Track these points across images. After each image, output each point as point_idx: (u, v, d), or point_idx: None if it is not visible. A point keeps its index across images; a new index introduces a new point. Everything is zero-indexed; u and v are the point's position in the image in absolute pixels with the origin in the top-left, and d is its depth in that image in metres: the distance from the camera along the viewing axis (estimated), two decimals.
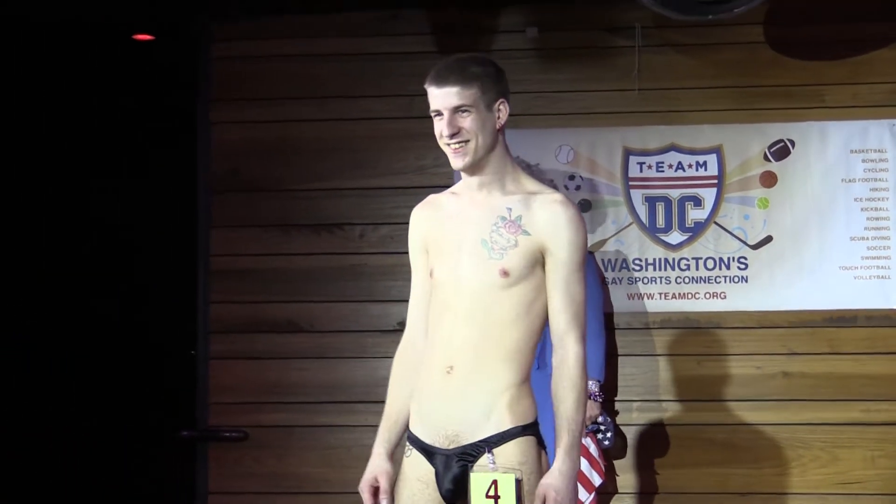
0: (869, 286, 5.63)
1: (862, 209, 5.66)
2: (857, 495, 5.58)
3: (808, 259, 5.68)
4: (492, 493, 3.38)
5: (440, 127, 3.44)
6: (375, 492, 3.50)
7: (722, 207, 5.72)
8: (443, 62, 3.52)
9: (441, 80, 3.44)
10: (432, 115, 3.48)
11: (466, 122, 3.42)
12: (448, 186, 5.51)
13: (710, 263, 5.71)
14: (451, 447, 3.40)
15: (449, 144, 3.43)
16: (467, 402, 3.39)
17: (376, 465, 3.52)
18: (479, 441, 3.37)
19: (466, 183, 3.56)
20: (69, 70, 6.48)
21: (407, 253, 5.16)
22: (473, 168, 3.44)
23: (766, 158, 5.72)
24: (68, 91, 6.57)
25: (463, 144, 3.41)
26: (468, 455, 3.38)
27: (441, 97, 3.43)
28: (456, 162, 3.44)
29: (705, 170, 5.74)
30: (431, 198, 3.67)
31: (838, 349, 5.65)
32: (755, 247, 5.67)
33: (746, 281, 5.68)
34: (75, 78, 6.54)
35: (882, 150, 5.66)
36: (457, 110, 3.42)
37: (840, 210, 5.67)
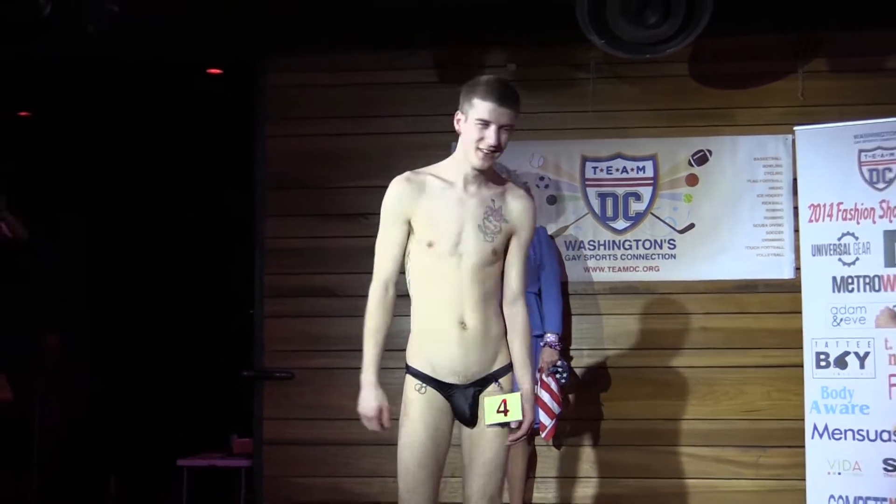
0: (767, 262, 6.09)
1: (763, 203, 6.10)
2: (756, 420, 5.98)
3: (721, 241, 6.10)
4: (502, 409, 3.76)
5: (484, 134, 3.60)
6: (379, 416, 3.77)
7: (656, 201, 6.15)
8: (495, 81, 3.69)
9: (503, 101, 3.63)
10: (477, 121, 3.61)
11: (504, 137, 3.67)
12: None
13: (647, 244, 6.13)
14: (466, 382, 3.77)
15: (484, 150, 3.64)
16: (480, 349, 3.77)
17: (380, 395, 3.80)
18: (488, 375, 3.78)
19: (464, 174, 3.75)
20: (160, 99, 6.94)
21: None
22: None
23: (690, 164, 6.15)
24: (159, 116, 7.04)
25: (495, 153, 3.68)
26: (479, 386, 3.78)
27: (497, 114, 3.61)
28: (482, 163, 3.67)
29: (644, 172, 6.17)
30: (411, 175, 3.77)
31: (744, 309, 6.06)
32: (682, 232, 6.13)
33: (675, 258, 6.12)
34: (165, 105, 7.02)
35: (778, 157, 6.10)
36: (503, 127, 3.65)
37: (746, 204, 6.10)
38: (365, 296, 5.99)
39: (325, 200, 6.26)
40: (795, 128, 5.90)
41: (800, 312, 5.80)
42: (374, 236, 6.01)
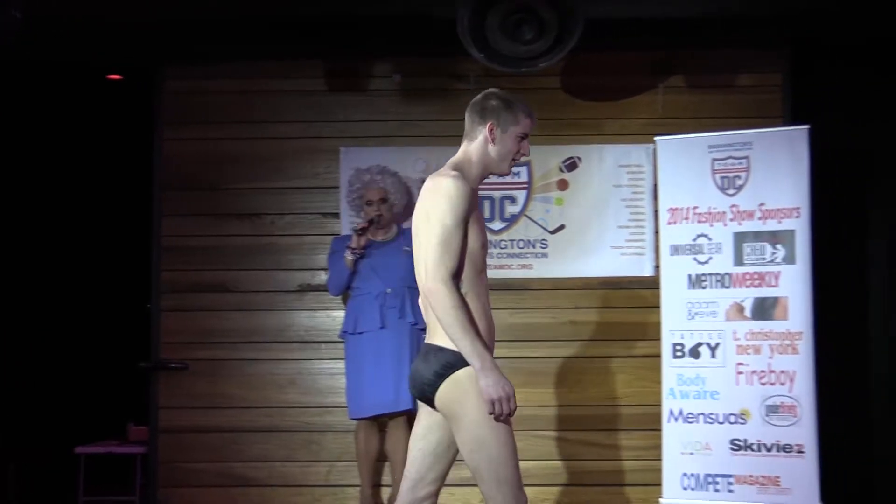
0: (630, 260, 6.36)
1: (626, 206, 6.37)
2: (619, 405, 6.28)
3: (589, 241, 6.35)
4: None
5: (521, 146, 3.63)
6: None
7: (530, 204, 6.37)
8: (521, 101, 3.67)
9: (533, 118, 3.68)
10: (518, 136, 3.61)
11: None
12: (333, 189, 6.30)
13: (521, 244, 6.36)
14: None
15: (518, 160, 3.70)
16: None
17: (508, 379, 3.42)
18: None
19: (479, 178, 3.68)
20: (61, 102, 6.97)
21: (305, 235, 6.05)
22: None
23: (561, 170, 6.38)
24: (58, 118, 7.05)
25: None
26: None
27: (530, 129, 3.67)
28: (510, 171, 3.71)
29: (519, 177, 6.39)
30: (463, 177, 3.57)
31: (609, 304, 6.33)
32: (553, 232, 6.36)
33: (547, 257, 6.35)
34: (66, 108, 7.05)
35: (641, 165, 6.37)
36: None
37: (611, 207, 6.36)
38: (257, 291, 6.32)
39: (219, 201, 6.37)
40: (656, 138, 6.11)
41: (658, 307, 6.03)
42: (264, 235, 6.28)
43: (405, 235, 6.09)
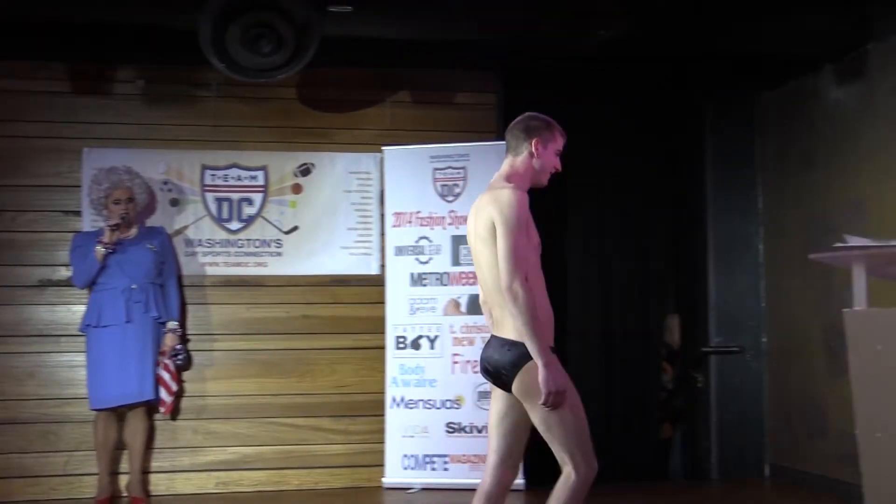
0: (358, 260, 6.62)
1: (356, 210, 6.64)
2: (346, 394, 6.54)
3: (320, 241, 6.57)
4: None
5: (556, 161, 3.87)
6: None
7: (266, 206, 6.55)
8: (556, 122, 3.88)
9: (565, 137, 3.92)
10: (557, 152, 3.86)
11: None
12: (75, 188, 6.27)
13: (257, 243, 6.52)
14: None
15: (554, 172, 3.90)
16: None
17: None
18: None
19: (527, 189, 3.87)
20: None
21: (46, 231, 6.01)
22: None
23: (295, 175, 6.59)
24: None
25: None
26: None
27: (563, 146, 3.92)
28: (546, 181, 3.90)
29: (256, 181, 6.56)
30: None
31: (338, 300, 6.58)
32: (287, 233, 6.55)
33: (281, 255, 6.53)
34: None
35: (369, 172, 6.65)
36: None
37: (342, 210, 6.61)
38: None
39: None
40: (384, 148, 6.51)
41: (383, 303, 6.44)
42: (7, 231, 6.27)
43: (149, 233, 6.26)
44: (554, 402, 3.58)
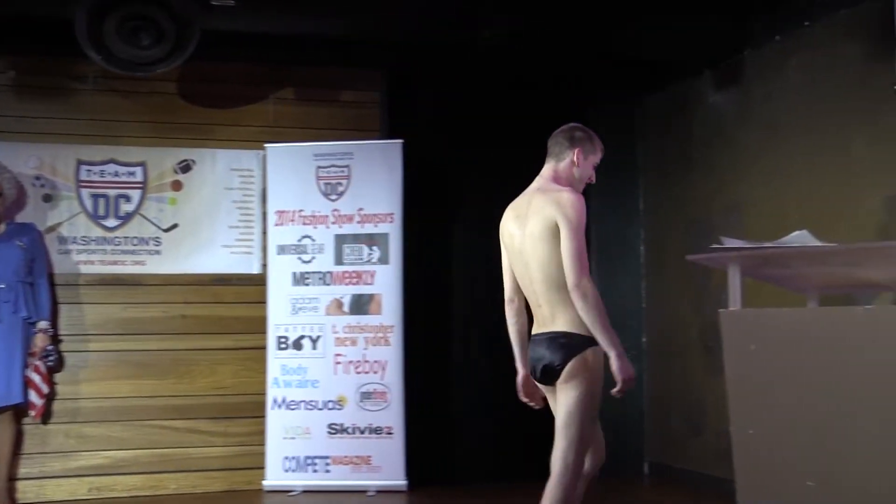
0: (240, 258, 6.55)
1: (237, 208, 6.57)
2: (226, 395, 6.46)
3: (201, 240, 6.50)
4: None
5: (592, 172, 4.04)
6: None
7: (145, 203, 6.44)
8: (597, 135, 4.05)
9: (603, 151, 4.08)
10: (595, 164, 4.04)
11: None
12: None
13: (135, 241, 6.41)
14: None
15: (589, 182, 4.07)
16: None
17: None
18: None
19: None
20: None
21: None
22: None
23: (175, 171, 6.49)
24: None
25: None
26: None
27: (600, 160, 4.10)
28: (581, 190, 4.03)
29: (134, 177, 6.44)
30: None
31: (220, 299, 6.51)
32: (166, 230, 6.46)
33: (160, 254, 6.44)
34: None
35: (251, 169, 6.59)
36: None
37: (223, 208, 6.54)
38: None
39: None
40: (266, 145, 6.46)
41: (265, 302, 6.37)
42: None
43: (19, 230, 6.05)
44: (627, 388, 3.72)
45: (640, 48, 6.35)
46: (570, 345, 3.79)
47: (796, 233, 3.37)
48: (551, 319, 3.85)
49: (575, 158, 4.00)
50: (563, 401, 3.81)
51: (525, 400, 4.04)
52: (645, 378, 7.15)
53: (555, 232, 3.83)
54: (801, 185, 5.66)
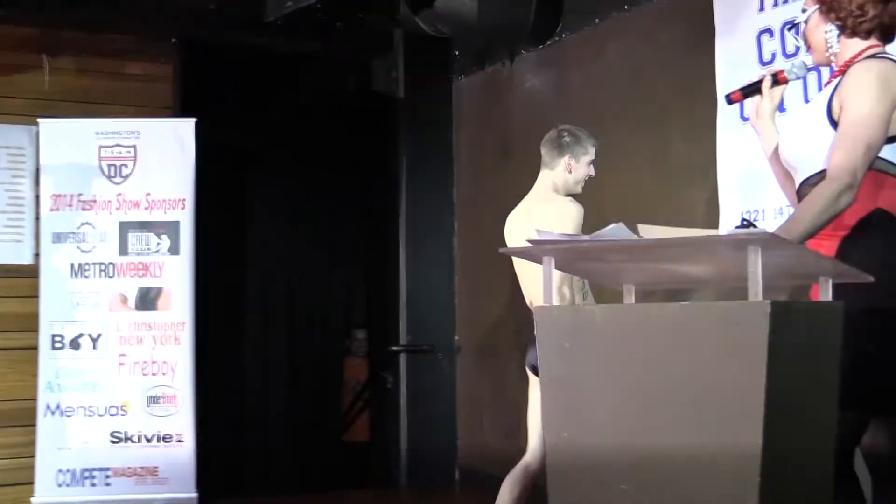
0: (8, 247, 6.17)
1: (6, 190, 6.16)
2: None
3: None
4: None
5: (590, 168, 4.32)
6: None
7: None
8: (586, 131, 4.35)
9: (596, 143, 4.36)
10: (589, 162, 4.31)
11: None
12: None
13: None
14: None
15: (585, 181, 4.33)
16: None
17: None
18: None
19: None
20: None
21: None
22: None
23: None
24: None
25: None
26: None
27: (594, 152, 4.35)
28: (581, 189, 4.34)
29: None
30: None
31: None
32: None
33: None
34: None
35: (22, 147, 6.18)
36: None
37: None
38: None
39: None
40: (40, 120, 6.00)
41: (37, 297, 5.90)
42: None
43: None
44: None
45: (452, 25, 6.11)
46: None
47: (612, 226, 3.25)
48: None
49: (566, 165, 4.29)
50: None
51: None
52: (457, 379, 6.97)
53: None
54: (620, 176, 5.55)
